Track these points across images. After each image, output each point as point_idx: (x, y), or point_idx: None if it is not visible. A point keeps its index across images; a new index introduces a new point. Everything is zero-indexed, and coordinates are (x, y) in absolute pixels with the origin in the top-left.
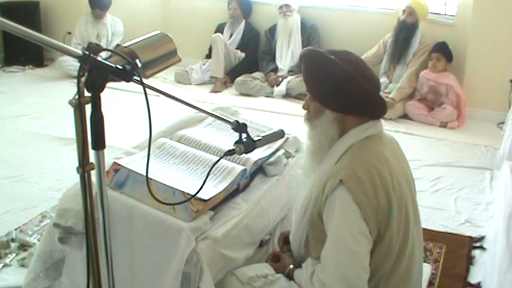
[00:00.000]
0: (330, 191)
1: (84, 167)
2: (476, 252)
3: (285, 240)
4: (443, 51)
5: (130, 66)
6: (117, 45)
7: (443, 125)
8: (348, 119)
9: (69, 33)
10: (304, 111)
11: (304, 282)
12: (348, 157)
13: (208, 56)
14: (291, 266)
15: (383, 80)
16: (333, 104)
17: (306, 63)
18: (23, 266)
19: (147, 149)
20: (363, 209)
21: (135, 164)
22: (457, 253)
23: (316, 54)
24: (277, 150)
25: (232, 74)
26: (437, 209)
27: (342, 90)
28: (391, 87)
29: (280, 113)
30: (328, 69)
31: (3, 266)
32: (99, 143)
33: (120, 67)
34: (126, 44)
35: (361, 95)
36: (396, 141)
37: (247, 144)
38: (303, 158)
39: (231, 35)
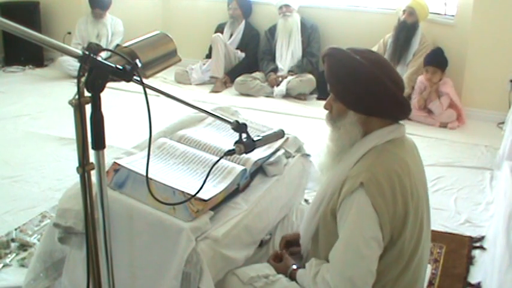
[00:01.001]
0: (348, 192)
1: (84, 167)
2: (476, 252)
3: (286, 243)
4: (437, 64)
5: (131, 66)
6: (117, 45)
7: (444, 126)
8: (372, 120)
9: (69, 33)
10: (326, 112)
11: (307, 282)
12: (369, 160)
13: (208, 56)
14: (294, 267)
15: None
16: (357, 105)
17: (329, 62)
18: (23, 266)
19: (147, 149)
20: (380, 215)
21: (135, 164)
22: (457, 253)
23: (340, 53)
24: (277, 150)
25: (232, 74)
26: (437, 209)
27: (367, 91)
28: None
29: (280, 113)
30: (353, 69)
31: (3, 266)
32: (99, 143)
33: (120, 67)
34: (126, 44)
35: (386, 96)
36: (416, 146)
37: (247, 144)
38: (322, 157)
39: (231, 35)
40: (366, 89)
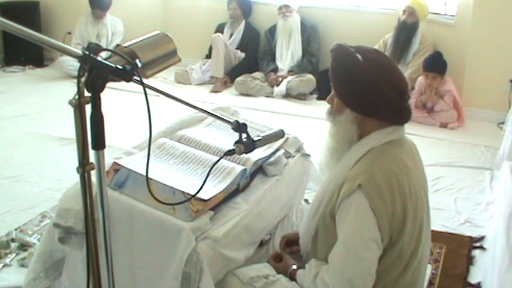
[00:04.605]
0: (346, 194)
1: (84, 167)
2: (476, 252)
3: (286, 243)
4: (437, 69)
5: (130, 66)
6: (117, 45)
7: (444, 126)
8: (368, 121)
9: (69, 33)
10: (328, 106)
11: (307, 283)
12: (368, 161)
13: (208, 56)
14: (294, 267)
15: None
16: (352, 104)
17: (332, 58)
18: (23, 266)
19: (147, 149)
20: (378, 216)
21: (135, 164)
22: (457, 253)
23: (343, 50)
24: (277, 150)
25: (232, 74)
26: (437, 209)
27: (362, 92)
28: None
29: (280, 113)
30: (351, 69)
31: (3, 266)
32: (99, 143)
33: (120, 67)
34: (126, 44)
35: (380, 100)
36: (415, 146)
37: (247, 144)
38: (321, 154)
39: (231, 35)
40: (361, 90)
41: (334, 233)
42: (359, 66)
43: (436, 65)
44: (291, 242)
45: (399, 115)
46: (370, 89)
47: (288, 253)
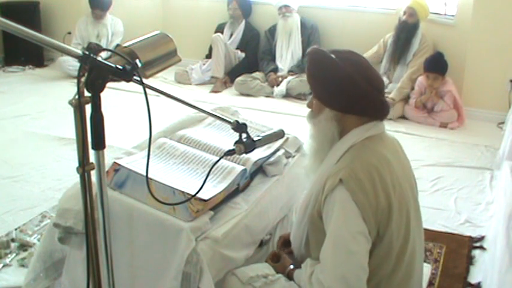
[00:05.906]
0: (329, 190)
1: (84, 167)
2: (476, 252)
3: (284, 242)
4: (439, 70)
5: (130, 66)
6: (117, 45)
7: (444, 126)
8: (347, 118)
9: (69, 33)
10: (309, 110)
11: (304, 282)
12: (349, 157)
13: (208, 56)
14: (291, 267)
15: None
16: (331, 102)
17: (308, 61)
18: (23, 266)
19: (147, 149)
20: (361, 209)
21: (135, 164)
22: (457, 253)
23: (317, 52)
24: (277, 150)
25: (232, 74)
26: (437, 209)
27: (339, 89)
28: (391, 87)
29: (280, 113)
30: (326, 68)
31: (3, 266)
32: (99, 143)
33: (120, 67)
34: (126, 44)
35: (359, 96)
36: (398, 142)
37: (247, 144)
38: (306, 159)
39: (231, 35)
40: (337, 87)
41: (324, 232)
42: (333, 63)
43: (437, 65)
44: (288, 242)
45: (376, 109)
46: (345, 84)
47: (285, 253)
